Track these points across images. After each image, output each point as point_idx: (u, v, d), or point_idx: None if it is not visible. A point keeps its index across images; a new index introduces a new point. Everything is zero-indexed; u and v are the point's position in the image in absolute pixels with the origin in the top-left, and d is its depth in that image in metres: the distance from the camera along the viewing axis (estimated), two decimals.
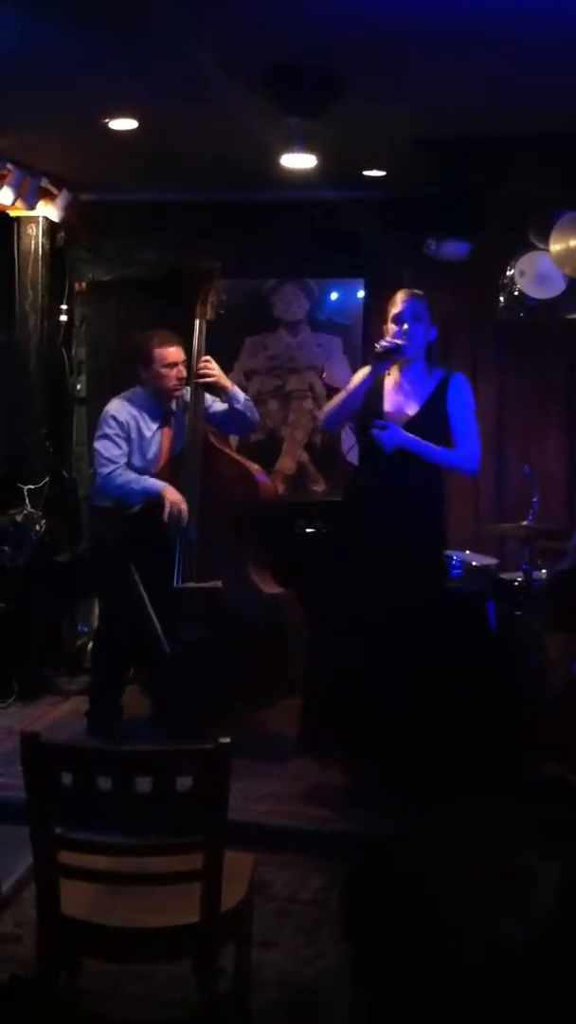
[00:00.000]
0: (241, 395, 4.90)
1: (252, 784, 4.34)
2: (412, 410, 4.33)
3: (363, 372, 4.41)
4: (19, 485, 5.81)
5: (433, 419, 4.30)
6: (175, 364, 4.80)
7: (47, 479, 5.88)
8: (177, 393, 4.86)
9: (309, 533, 5.81)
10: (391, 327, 4.31)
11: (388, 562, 4.16)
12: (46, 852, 2.43)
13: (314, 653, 4.63)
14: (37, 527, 5.65)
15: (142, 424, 4.84)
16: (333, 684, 4.29)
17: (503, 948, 2.13)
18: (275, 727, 4.89)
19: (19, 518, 5.64)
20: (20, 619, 5.51)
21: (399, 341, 4.24)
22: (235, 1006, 2.77)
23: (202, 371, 4.75)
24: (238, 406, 4.85)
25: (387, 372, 4.36)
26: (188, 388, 4.83)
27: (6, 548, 5.59)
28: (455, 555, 5.05)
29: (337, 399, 4.48)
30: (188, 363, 4.82)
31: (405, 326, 4.27)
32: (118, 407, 4.85)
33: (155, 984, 3.08)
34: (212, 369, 4.77)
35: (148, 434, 4.85)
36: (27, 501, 5.77)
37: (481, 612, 4.89)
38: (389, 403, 4.35)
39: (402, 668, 3.79)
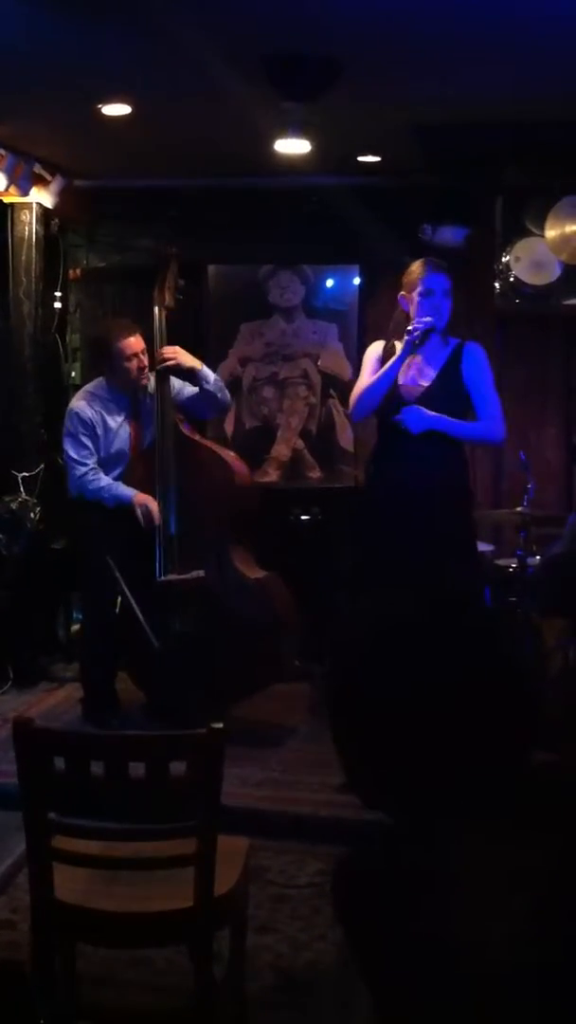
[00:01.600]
0: (211, 375, 4.86)
1: (251, 770, 4.34)
2: (426, 380, 4.25)
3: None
4: (13, 472, 5.79)
5: (449, 388, 4.23)
6: (135, 354, 4.75)
7: (42, 466, 5.87)
8: (143, 381, 4.82)
9: (305, 520, 5.81)
10: (414, 298, 4.20)
11: (418, 541, 4.10)
12: (39, 838, 2.43)
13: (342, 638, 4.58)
14: (32, 515, 5.64)
15: (107, 418, 4.82)
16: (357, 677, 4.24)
17: (501, 937, 2.12)
18: (274, 714, 4.89)
19: (14, 506, 5.63)
20: (15, 606, 5.51)
21: (430, 319, 4.17)
22: (230, 991, 2.78)
23: (163, 356, 4.70)
24: (208, 387, 4.81)
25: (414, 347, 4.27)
26: (153, 375, 4.80)
27: (1, 536, 5.58)
28: None
29: (363, 387, 4.31)
30: (150, 351, 4.78)
31: (437, 300, 4.18)
32: (81, 404, 4.83)
33: (151, 970, 3.09)
34: (174, 352, 4.71)
35: (114, 426, 4.83)
36: (21, 488, 5.76)
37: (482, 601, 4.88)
38: (403, 375, 4.26)
39: (428, 661, 3.75)
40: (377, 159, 5.52)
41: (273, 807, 4.09)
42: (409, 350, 4.21)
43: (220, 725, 2.36)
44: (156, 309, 4.81)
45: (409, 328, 4.19)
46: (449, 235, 5.72)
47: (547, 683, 4.55)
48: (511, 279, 5.50)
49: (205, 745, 2.36)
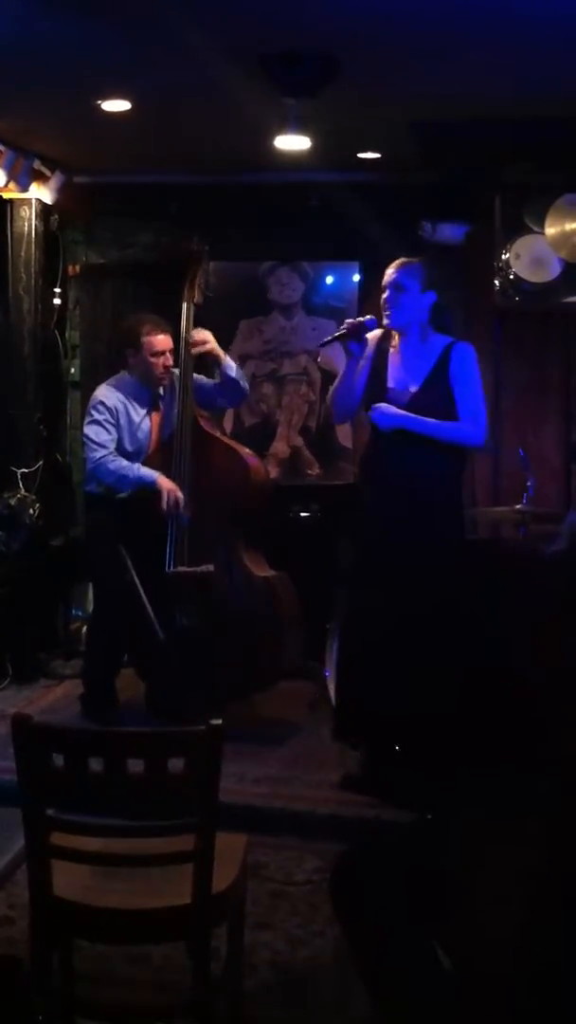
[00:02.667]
0: (233, 364, 4.90)
1: (249, 767, 4.35)
2: (415, 385, 4.23)
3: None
4: (12, 469, 5.79)
5: (437, 392, 4.19)
6: (163, 352, 4.78)
7: (41, 463, 5.87)
8: (164, 380, 4.84)
9: (304, 517, 5.81)
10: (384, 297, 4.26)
11: (404, 542, 4.11)
12: (38, 834, 2.42)
13: (342, 636, 4.59)
14: (31, 511, 5.64)
15: (131, 409, 4.82)
16: (359, 670, 4.25)
17: (499, 935, 2.13)
18: (274, 711, 4.89)
19: (13, 502, 5.63)
20: (15, 603, 5.51)
21: (362, 319, 4.21)
22: (228, 987, 2.78)
23: (196, 340, 4.74)
24: (231, 374, 4.85)
25: (392, 347, 4.30)
26: (176, 372, 4.81)
27: (0, 532, 5.58)
28: None
29: (332, 391, 4.43)
30: (176, 348, 4.80)
31: (386, 294, 4.21)
32: (106, 393, 4.83)
33: (149, 966, 3.09)
34: (206, 337, 4.77)
35: (137, 419, 4.84)
36: (20, 485, 5.75)
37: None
38: (393, 379, 4.26)
39: (421, 653, 3.76)
40: (377, 156, 5.51)
41: (272, 804, 4.09)
42: (351, 350, 4.24)
43: (219, 722, 2.36)
44: (184, 305, 4.85)
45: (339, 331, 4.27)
46: (449, 232, 5.72)
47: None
48: (511, 276, 5.49)
49: (204, 742, 2.36)
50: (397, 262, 4.27)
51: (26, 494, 5.71)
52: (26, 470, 5.81)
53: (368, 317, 4.24)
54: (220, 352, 4.84)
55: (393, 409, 4.15)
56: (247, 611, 4.66)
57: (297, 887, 3.60)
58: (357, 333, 4.23)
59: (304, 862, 3.76)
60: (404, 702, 3.73)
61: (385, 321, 4.22)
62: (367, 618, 4.16)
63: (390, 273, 4.23)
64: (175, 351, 4.80)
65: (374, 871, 2.33)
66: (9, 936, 3.20)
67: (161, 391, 4.90)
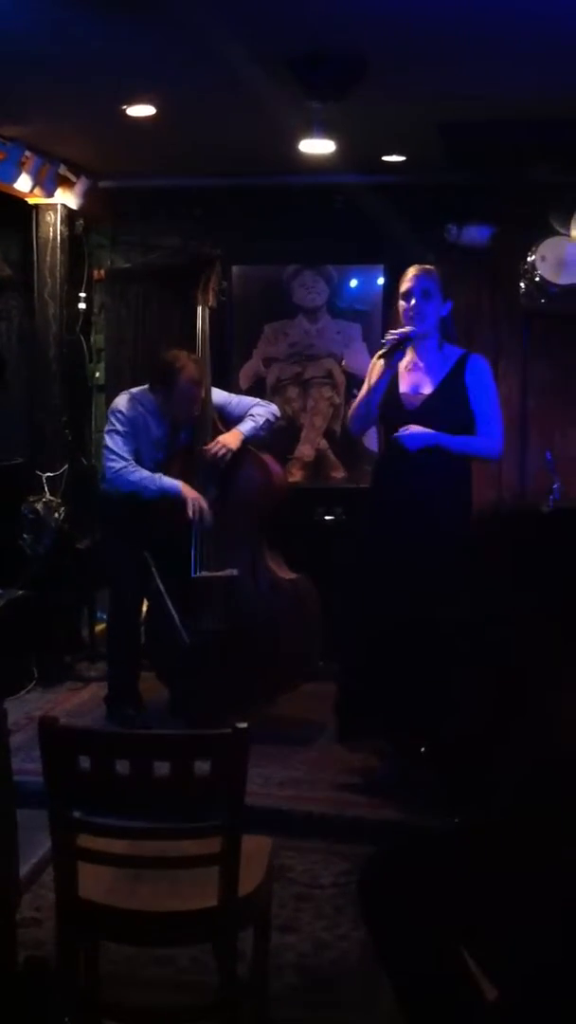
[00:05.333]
0: (253, 424, 4.84)
1: (274, 769, 4.35)
2: (428, 389, 4.23)
3: (378, 366, 4.35)
4: (38, 473, 5.82)
5: (451, 399, 4.20)
6: (196, 399, 4.75)
7: (66, 467, 5.90)
8: (189, 423, 4.83)
9: (328, 520, 5.81)
10: (401, 304, 4.24)
11: (416, 554, 4.11)
12: (64, 836, 2.43)
13: (340, 639, 4.59)
14: (56, 515, 5.66)
15: (150, 420, 4.83)
16: (361, 673, 4.25)
17: (527, 935, 2.10)
18: (299, 713, 4.90)
19: (39, 506, 5.66)
20: (40, 606, 5.53)
21: (406, 330, 4.17)
22: (254, 990, 2.78)
23: (214, 454, 4.70)
24: (263, 434, 4.87)
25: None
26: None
27: (26, 536, 5.61)
28: None
29: (358, 401, 4.38)
30: (192, 350, 4.83)
31: (413, 301, 4.19)
32: (126, 402, 4.83)
33: (174, 968, 3.10)
34: (222, 445, 4.71)
35: (155, 430, 4.85)
36: (46, 489, 5.78)
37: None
38: (404, 383, 4.26)
39: (426, 659, 3.75)
40: (402, 158, 5.50)
41: (297, 806, 4.09)
42: (387, 359, 4.21)
43: (244, 724, 2.37)
44: (199, 309, 4.89)
45: (383, 341, 4.23)
46: (474, 235, 5.71)
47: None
48: (536, 278, 5.47)
49: (229, 744, 2.36)
50: (420, 268, 4.25)
51: (51, 497, 5.74)
52: (51, 474, 5.84)
53: (405, 329, 4.21)
54: (238, 436, 4.77)
55: (420, 429, 4.14)
56: (274, 614, 4.69)
57: (323, 890, 3.60)
58: (405, 343, 4.22)
59: (330, 865, 3.76)
60: (407, 702, 3.72)
61: (412, 328, 4.20)
62: (369, 619, 4.17)
63: (414, 279, 4.21)
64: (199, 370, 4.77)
65: (401, 875, 2.31)
66: (36, 938, 3.21)
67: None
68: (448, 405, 4.19)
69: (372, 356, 4.37)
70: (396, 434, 4.18)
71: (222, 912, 2.44)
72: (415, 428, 4.15)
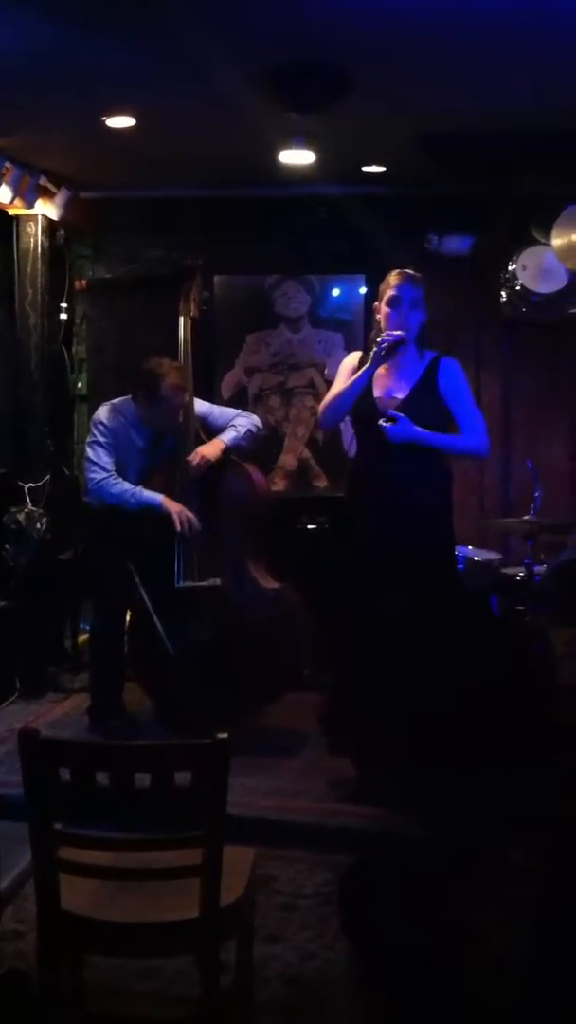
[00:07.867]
0: (234, 433, 4.86)
1: (259, 780, 4.34)
2: (402, 393, 4.27)
3: (350, 362, 4.35)
4: (20, 483, 5.80)
5: (425, 401, 4.25)
6: (179, 406, 4.76)
7: (48, 477, 5.88)
8: (171, 428, 4.84)
9: (311, 529, 5.81)
10: (383, 308, 4.26)
11: (399, 556, 4.12)
12: (45, 848, 2.42)
13: (327, 649, 4.60)
14: (39, 525, 5.64)
15: (131, 431, 4.84)
16: (345, 681, 4.25)
17: (507, 951, 2.11)
18: (283, 723, 4.88)
19: (21, 516, 5.64)
20: (23, 617, 5.52)
21: (399, 333, 4.20)
22: (238, 1000, 2.77)
23: (195, 466, 4.71)
24: (245, 444, 4.88)
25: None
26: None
27: (8, 547, 5.60)
28: (458, 550, 5.03)
29: (333, 395, 4.40)
30: (175, 358, 4.83)
31: (400, 309, 4.22)
32: (107, 413, 4.85)
33: (159, 980, 3.08)
34: (201, 457, 4.72)
35: (137, 441, 4.86)
36: (28, 499, 5.76)
37: (487, 606, 4.89)
38: (378, 387, 4.30)
39: (413, 665, 3.76)
40: (382, 169, 5.52)
41: (281, 816, 4.08)
42: (377, 362, 4.23)
43: (225, 735, 2.36)
44: (181, 319, 4.89)
45: (378, 340, 4.23)
46: (455, 244, 5.73)
47: (559, 690, 4.54)
48: (517, 287, 5.50)
49: (210, 755, 2.36)
50: (407, 275, 4.27)
51: (34, 508, 5.72)
52: (34, 484, 5.82)
53: (398, 332, 4.22)
54: (220, 446, 4.79)
55: (411, 423, 4.17)
56: (261, 622, 4.68)
57: (307, 900, 3.59)
58: (397, 347, 4.24)
59: (314, 875, 3.75)
60: (395, 714, 3.72)
61: (397, 333, 4.21)
62: (358, 626, 4.18)
63: (402, 287, 4.24)
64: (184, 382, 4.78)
65: (384, 885, 2.32)
66: (18, 950, 3.19)
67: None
68: (422, 408, 4.23)
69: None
70: (381, 422, 4.19)
71: (203, 923, 2.43)
72: (406, 421, 4.16)
